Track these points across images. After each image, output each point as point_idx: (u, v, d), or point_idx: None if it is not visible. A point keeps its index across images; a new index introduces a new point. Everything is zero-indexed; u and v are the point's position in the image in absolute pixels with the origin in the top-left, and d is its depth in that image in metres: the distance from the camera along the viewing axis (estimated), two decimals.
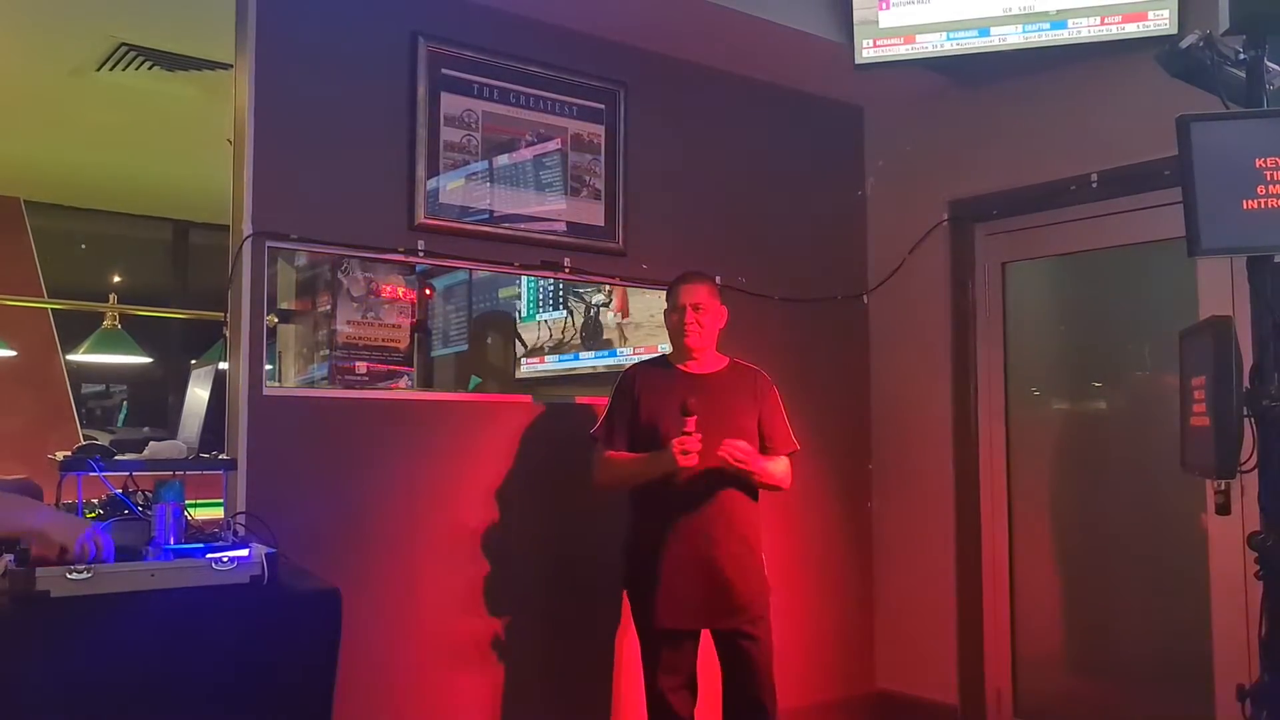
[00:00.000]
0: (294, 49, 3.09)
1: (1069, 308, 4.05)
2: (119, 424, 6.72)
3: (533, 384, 5.18)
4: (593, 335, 4.91)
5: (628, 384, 3.17)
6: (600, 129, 3.65)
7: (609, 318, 4.77)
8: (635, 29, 3.64)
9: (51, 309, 5.87)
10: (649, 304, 4.48)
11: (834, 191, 4.30)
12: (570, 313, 5.03)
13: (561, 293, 5.06)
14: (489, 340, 5.33)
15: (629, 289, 4.53)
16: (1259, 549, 2.06)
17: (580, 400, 3.68)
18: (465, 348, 5.41)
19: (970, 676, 3.98)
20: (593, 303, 4.88)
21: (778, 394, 3.20)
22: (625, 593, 3.20)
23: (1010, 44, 3.52)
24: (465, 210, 3.38)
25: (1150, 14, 3.35)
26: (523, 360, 5.26)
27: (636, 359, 4.52)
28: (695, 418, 2.84)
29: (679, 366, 3.16)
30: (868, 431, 4.26)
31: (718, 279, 3.35)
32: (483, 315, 5.39)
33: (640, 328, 4.61)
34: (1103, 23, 3.41)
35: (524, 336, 5.28)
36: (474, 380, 5.23)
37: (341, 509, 3.06)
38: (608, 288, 4.71)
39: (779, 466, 3.11)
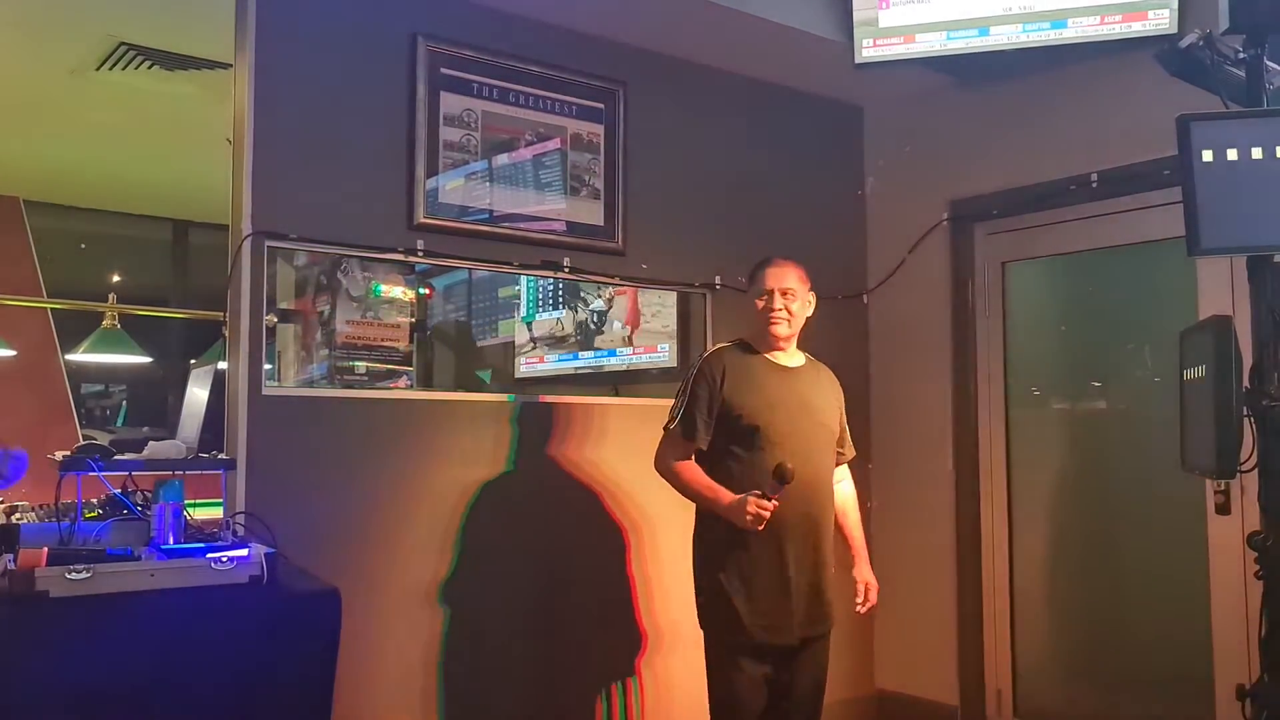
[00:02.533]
0: (294, 48, 3.09)
1: (1069, 308, 4.05)
2: (118, 424, 6.73)
3: (533, 383, 5.18)
4: (586, 340, 4.89)
5: (714, 373, 2.86)
6: (600, 128, 3.65)
7: (615, 327, 4.73)
8: (635, 29, 3.64)
9: (51, 309, 5.87)
10: (648, 304, 4.48)
11: (834, 191, 4.30)
12: (574, 310, 5.02)
13: (562, 292, 5.05)
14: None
15: (640, 299, 4.51)
16: (1259, 549, 2.06)
17: (581, 400, 3.67)
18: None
19: (970, 677, 3.98)
20: (591, 307, 4.85)
21: None
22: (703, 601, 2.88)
23: (1010, 43, 3.51)
24: (465, 210, 3.38)
25: (1150, 13, 3.34)
26: (523, 360, 5.27)
27: (637, 359, 4.53)
28: (781, 491, 2.64)
29: (767, 356, 2.92)
30: (868, 431, 4.25)
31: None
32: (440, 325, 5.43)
33: (646, 330, 4.59)
34: (1102, 22, 3.41)
35: (520, 335, 5.29)
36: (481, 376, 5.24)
37: (341, 509, 3.06)
38: (608, 294, 4.69)
39: (858, 526, 3.09)
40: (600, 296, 4.82)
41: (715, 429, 2.84)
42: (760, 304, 2.89)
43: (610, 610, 3.54)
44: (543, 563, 3.41)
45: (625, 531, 3.58)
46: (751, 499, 2.65)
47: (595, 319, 4.86)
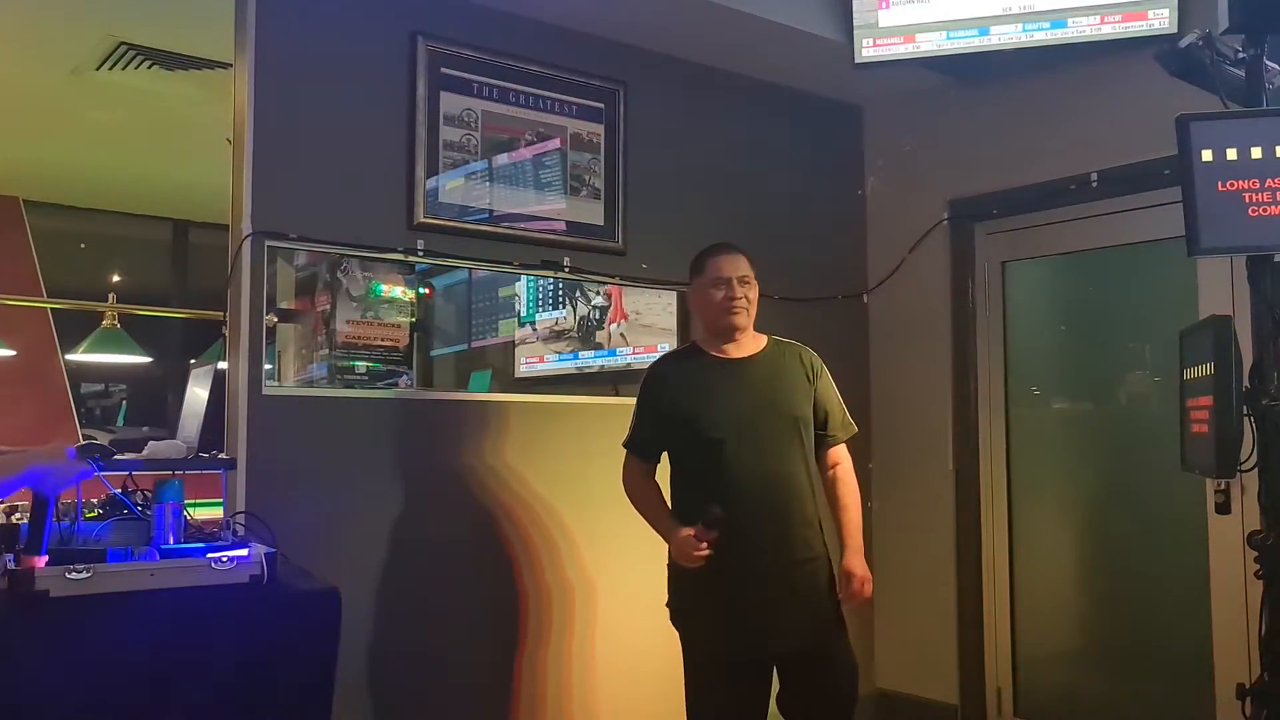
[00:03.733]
0: (294, 48, 3.09)
1: (1069, 307, 4.05)
2: (118, 423, 6.72)
3: (532, 383, 5.18)
4: (587, 336, 4.89)
5: (656, 385, 2.78)
6: (600, 128, 3.65)
7: (611, 327, 4.73)
8: (635, 28, 3.64)
9: (51, 309, 5.86)
10: (649, 304, 4.48)
11: (834, 191, 4.30)
12: (574, 307, 5.00)
13: (562, 291, 5.05)
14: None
15: (624, 295, 4.52)
16: (1259, 548, 2.06)
17: (580, 400, 3.68)
18: (465, 347, 5.42)
19: (970, 676, 3.98)
20: (594, 303, 4.86)
21: (827, 369, 2.87)
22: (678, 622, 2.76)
23: (1010, 43, 3.51)
24: (465, 210, 3.38)
25: (1150, 13, 3.35)
26: (522, 360, 5.26)
27: (637, 358, 4.53)
28: (714, 535, 2.52)
29: (714, 353, 2.79)
30: (868, 431, 4.25)
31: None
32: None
33: (646, 329, 4.59)
34: (1102, 22, 3.41)
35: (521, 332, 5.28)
36: (482, 376, 5.22)
37: (341, 509, 3.05)
38: (605, 293, 4.69)
39: (852, 511, 2.79)
40: (601, 293, 4.82)
41: (667, 438, 2.76)
42: (719, 295, 2.73)
43: (617, 610, 3.54)
44: (546, 562, 3.41)
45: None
46: (686, 538, 2.55)
47: (598, 314, 4.86)
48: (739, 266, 2.76)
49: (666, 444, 2.79)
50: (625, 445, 2.83)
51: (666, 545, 2.71)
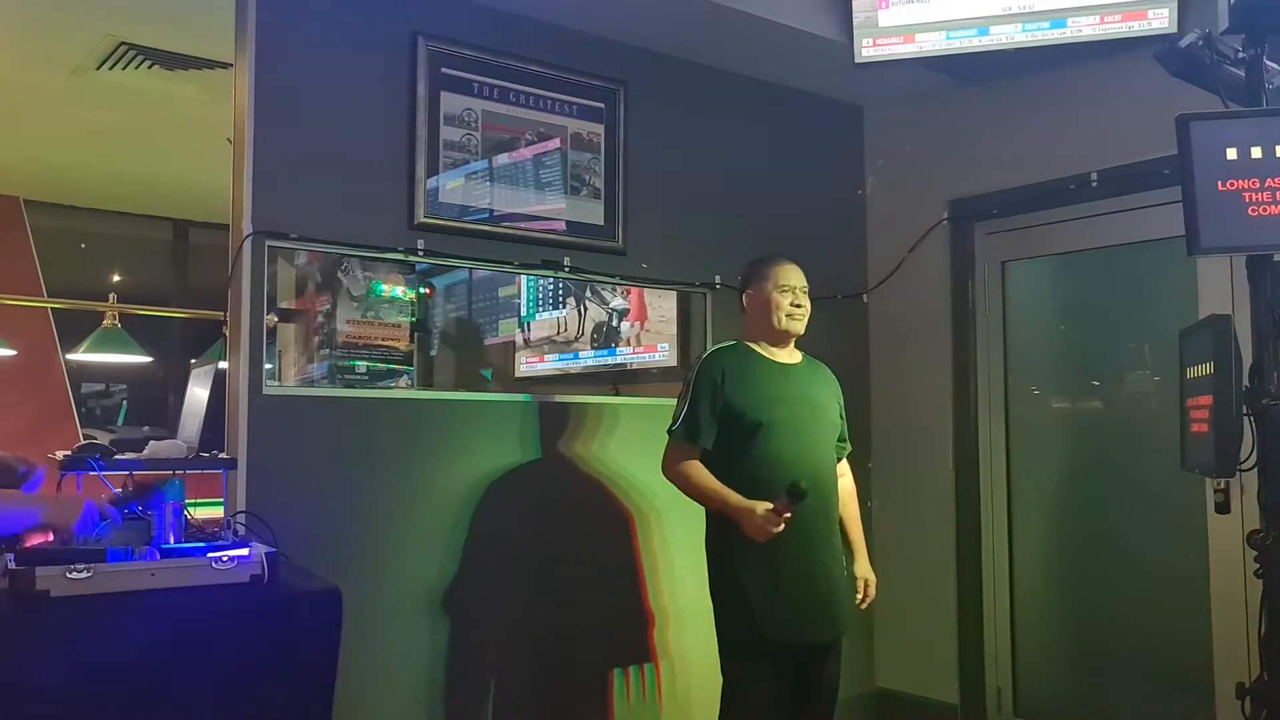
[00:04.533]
0: (294, 48, 3.09)
1: (1069, 307, 4.05)
2: (119, 423, 6.73)
3: (532, 383, 5.18)
4: (607, 341, 4.85)
5: (714, 374, 2.84)
6: (600, 128, 3.65)
7: (625, 327, 4.69)
8: (635, 28, 3.64)
9: (51, 308, 5.87)
10: (652, 305, 4.47)
11: (834, 190, 4.30)
12: (582, 312, 4.95)
13: (568, 292, 5.04)
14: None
15: (646, 298, 4.49)
16: (1259, 547, 2.06)
17: (581, 399, 3.68)
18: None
19: (970, 676, 3.98)
20: (612, 306, 4.78)
21: None
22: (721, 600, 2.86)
23: (1010, 43, 3.51)
24: (465, 209, 3.38)
25: (1150, 13, 3.35)
26: (523, 360, 5.26)
27: (636, 358, 4.53)
28: (794, 506, 2.62)
29: (765, 355, 2.92)
30: (868, 431, 4.25)
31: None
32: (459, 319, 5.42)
33: (653, 331, 4.56)
34: (1102, 21, 3.41)
35: (527, 335, 5.27)
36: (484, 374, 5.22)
37: (341, 509, 3.06)
38: (624, 292, 4.65)
39: (856, 521, 3.10)
40: (619, 293, 4.74)
41: (726, 427, 2.81)
42: (785, 300, 2.88)
43: (618, 610, 3.54)
44: (546, 562, 3.41)
45: (632, 521, 3.59)
46: (766, 514, 2.64)
47: (616, 318, 4.80)
48: (800, 277, 2.94)
49: (723, 433, 2.82)
50: (674, 432, 2.86)
51: (713, 524, 2.85)
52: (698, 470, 2.82)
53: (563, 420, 3.52)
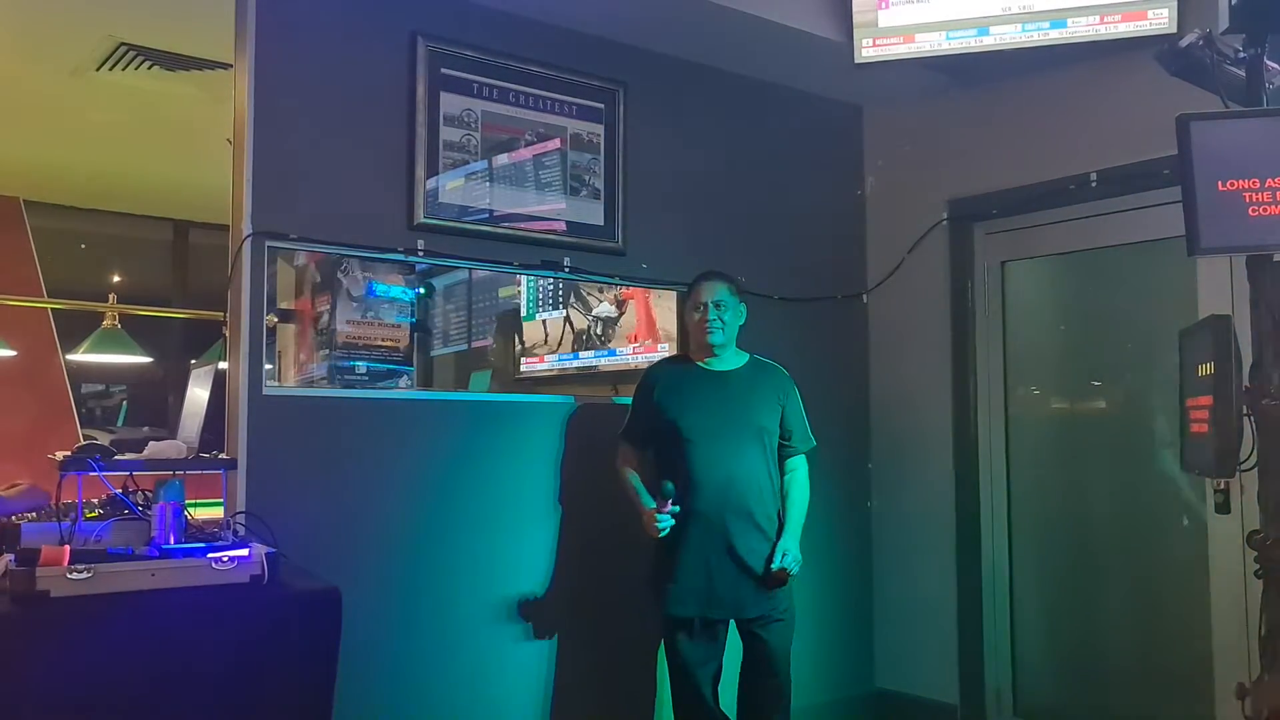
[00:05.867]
0: (294, 49, 3.09)
1: (1069, 307, 4.05)
2: (119, 424, 6.72)
3: (532, 382, 5.18)
4: (588, 345, 4.85)
5: (649, 385, 3.25)
6: (600, 128, 3.65)
7: (620, 329, 4.68)
8: (635, 28, 3.64)
9: (51, 309, 5.86)
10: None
11: (833, 191, 4.30)
12: (568, 316, 4.96)
13: (560, 294, 5.04)
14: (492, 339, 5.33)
15: (651, 304, 4.48)
16: (1258, 547, 2.06)
17: (580, 398, 3.68)
18: (465, 347, 5.41)
19: (970, 676, 3.98)
20: (594, 313, 4.78)
21: (797, 391, 3.28)
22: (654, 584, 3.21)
23: (1010, 43, 3.51)
24: (465, 210, 3.38)
25: (1150, 13, 3.35)
26: (522, 360, 5.27)
27: (637, 358, 4.54)
28: (671, 501, 2.99)
29: (700, 364, 3.23)
30: (867, 431, 4.26)
31: (741, 279, 3.38)
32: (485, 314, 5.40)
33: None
34: (1102, 21, 3.41)
35: (525, 335, 5.28)
36: (482, 376, 5.20)
37: (341, 509, 3.06)
38: (613, 295, 4.65)
39: (796, 505, 3.20)
40: (606, 299, 4.72)
41: (652, 433, 3.19)
42: (696, 317, 3.18)
43: (616, 610, 3.55)
44: (546, 562, 3.41)
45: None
46: (649, 512, 3.03)
47: (600, 327, 4.78)
48: (715, 291, 3.19)
49: (651, 437, 3.22)
50: (620, 434, 3.27)
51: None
52: (626, 472, 3.22)
53: (563, 420, 3.51)
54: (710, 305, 3.16)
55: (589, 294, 4.84)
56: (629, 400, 3.36)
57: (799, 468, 3.26)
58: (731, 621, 3.15)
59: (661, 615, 3.14)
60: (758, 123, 4.07)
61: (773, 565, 3.06)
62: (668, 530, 3.02)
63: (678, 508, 3.02)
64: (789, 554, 3.09)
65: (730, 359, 3.22)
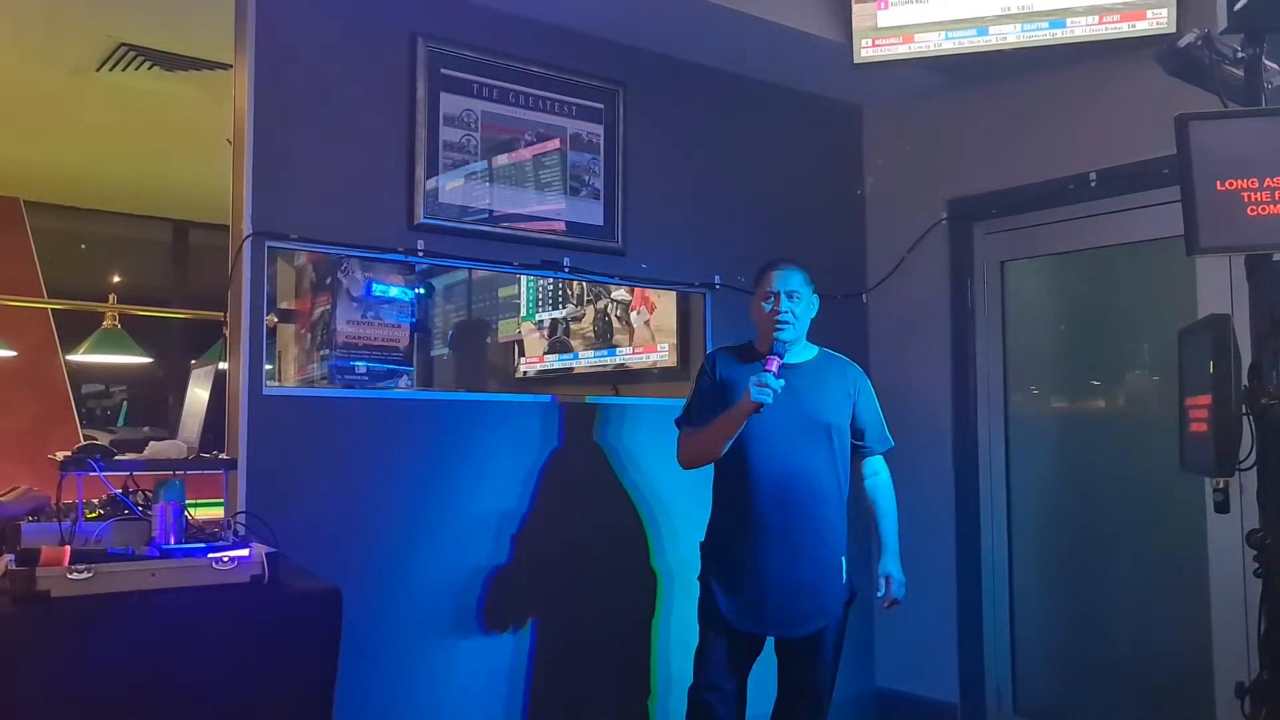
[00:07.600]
0: (294, 49, 3.09)
1: (1068, 306, 4.05)
2: (119, 424, 6.73)
3: (532, 383, 5.18)
4: (601, 335, 4.84)
5: (710, 368, 3.00)
6: (599, 129, 3.65)
7: (633, 315, 4.64)
8: (635, 29, 3.64)
9: (51, 309, 5.87)
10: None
11: (833, 190, 4.30)
12: (587, 303, 4.91)
13: (562, 295, 5.03)
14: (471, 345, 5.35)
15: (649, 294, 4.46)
16: (1258, 547, 2.06)
17: (580, 398, 3.68)
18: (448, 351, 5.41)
19: (970, 676, 3.98)
20: (614, 296, 4.73)
21: (871, 386, 3.07)
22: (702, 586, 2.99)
23: (1009, 43, 3.52)
24: (465, 210, 3.38)
25: (1148, 13, 3.35)
26: (522, 360, 5.27)
27: (635, 358, 4.53)
28: (778, 359, 2.71)
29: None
30: None
31: (812, 270, 3.08)
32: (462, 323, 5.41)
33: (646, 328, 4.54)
34: (1101, 21, 3.41)
35: (527, 337, 5.27)
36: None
37: (341, 509, 3.06)
38: (622, 290, 4.62)
39: (889, 517, 3.00)
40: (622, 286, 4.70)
41: (711, 419, 2.89)
42: (765, 308, 2.92)
43: (617, 611, 3.55)
44: (546, 562, 3.41)
45: (640, 520, 3.61)
46: (753, 377, 2.70)
47: (619, 310, 4.78)
48: (789, 280, 2.92)
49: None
50: (679, 422, 3.01)
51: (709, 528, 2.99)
52: (694, 432, 2.94)
53: (564, 420, 3.52)
54: (783, 295, 2.88)
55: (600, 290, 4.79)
56: (629, 400, 3.36)
57: (880, 470, 3.04)
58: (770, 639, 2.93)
59: (708, 625, 2.91)
60: (757, 123, 4.07)
61: (878, 594, 2.91)
62: (771, 398, 2.67)
63: (781, 382, 2.68)
64: (893, 578, 2.91)
65: (799, 351, 2.95)
